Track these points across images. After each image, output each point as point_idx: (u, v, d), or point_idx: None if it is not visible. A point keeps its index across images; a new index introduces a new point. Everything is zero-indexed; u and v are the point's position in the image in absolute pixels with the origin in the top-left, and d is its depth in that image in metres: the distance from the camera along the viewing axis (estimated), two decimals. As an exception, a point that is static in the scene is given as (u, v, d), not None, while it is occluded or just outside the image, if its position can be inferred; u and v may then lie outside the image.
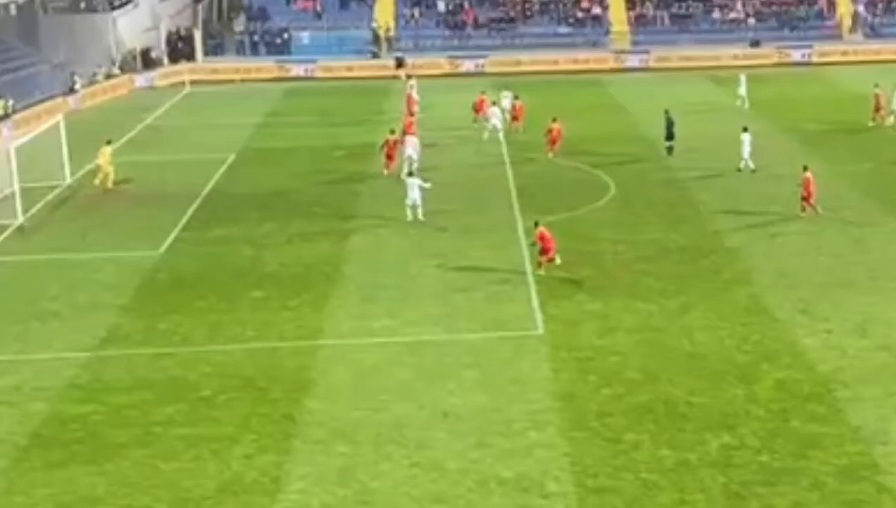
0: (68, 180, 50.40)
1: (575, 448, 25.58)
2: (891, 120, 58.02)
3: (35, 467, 25.47)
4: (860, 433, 25.94)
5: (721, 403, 27.61)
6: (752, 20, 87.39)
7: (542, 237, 37.00)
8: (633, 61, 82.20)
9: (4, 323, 34.17)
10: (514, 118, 59.14)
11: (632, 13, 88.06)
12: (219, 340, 32.51)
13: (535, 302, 34.72)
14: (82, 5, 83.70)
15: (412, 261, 38.96)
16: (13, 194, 45.10)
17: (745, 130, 49.34)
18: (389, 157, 49.74)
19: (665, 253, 39.15)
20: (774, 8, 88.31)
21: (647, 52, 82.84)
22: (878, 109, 58.53)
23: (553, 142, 53.28)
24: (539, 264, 36.96)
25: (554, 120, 54.05)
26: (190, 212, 45.29)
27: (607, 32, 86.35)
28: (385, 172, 49.66)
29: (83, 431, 27.12)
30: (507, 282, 36.64)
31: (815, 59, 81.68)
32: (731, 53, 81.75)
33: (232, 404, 28.27)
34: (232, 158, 54.17)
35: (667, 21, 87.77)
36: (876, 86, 59.51)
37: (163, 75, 79.96)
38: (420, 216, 42.77)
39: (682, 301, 34.49)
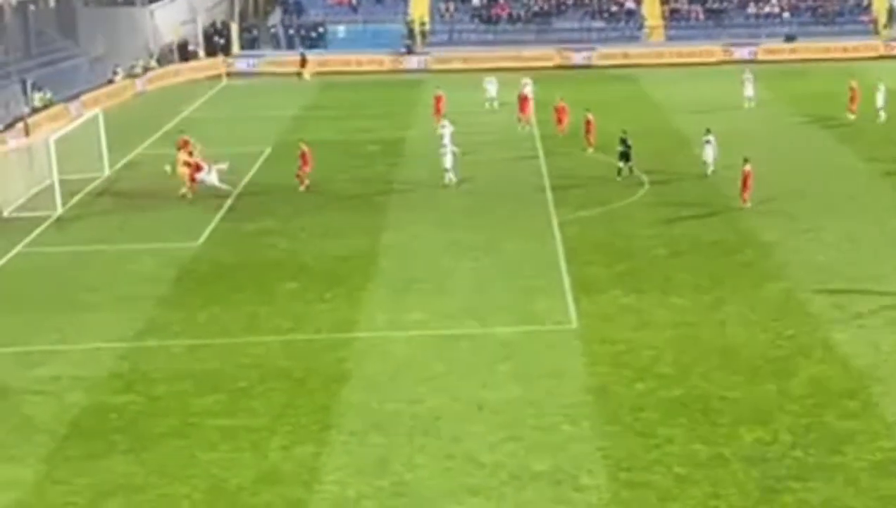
0: (107, 172, 50.88)
1: (608, 441, 25.75)
2: (882, 117, 57.47)
3: (74, 456, 25.86)
4: (894, 428, 25.99)
5: (755, 398, 27.71)
6: (786, 14, 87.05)
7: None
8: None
9: (44, 313, 34.61)
10: (521, 109, 58.86)
11: (666, 7, 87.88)
12: (256, 331, 32.84)
13: (569, 296, 34.89)
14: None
15: (446, 254, 39.19)
16: (52, 186, 45.62)
17: (707, 131, 48.30)
18: None
19: (698, 248, 39.21)
20: (810, 2, 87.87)
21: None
22: (852, 100, 58.40)
23: (588, 132, 53.37)
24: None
25: (587, 110, 54.12)
26: (227, 204, 45.65)
27: (641, 27, 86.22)
28: None
29: (122, 421, 27.52)
30: (542, 276, 36.81)
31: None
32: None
33: (269, 395, 28.59)
34: (268, 150, 54.53)
35: (701, 16, 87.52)
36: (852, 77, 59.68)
37: (199, 68, 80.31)
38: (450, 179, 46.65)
39: (716, 296, 34.58)
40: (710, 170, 47.57)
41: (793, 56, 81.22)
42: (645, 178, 48.38)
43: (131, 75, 75.13)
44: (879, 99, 56.97)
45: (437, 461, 25.16)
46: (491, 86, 63.25)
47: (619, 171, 47.78)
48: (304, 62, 79.74)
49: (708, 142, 47.65)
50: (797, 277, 36.13)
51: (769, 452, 25.07)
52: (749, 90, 62.47)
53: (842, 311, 33.22)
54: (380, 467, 24.92)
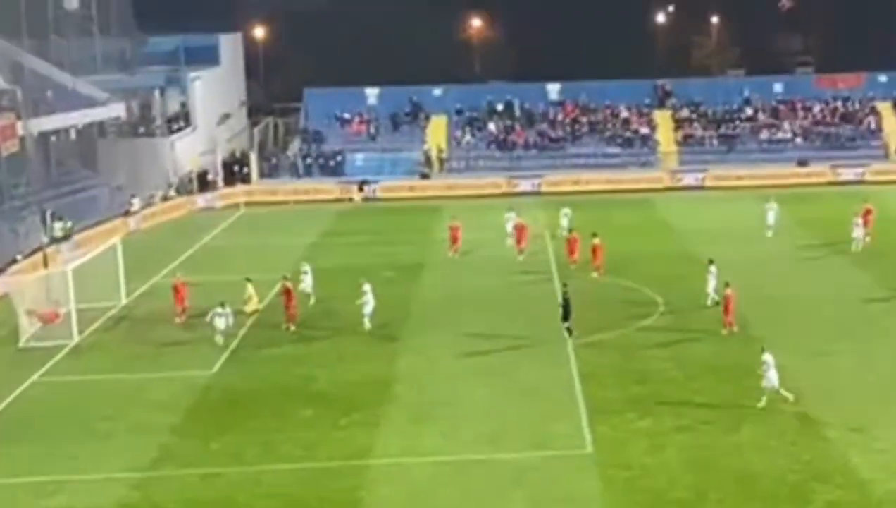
0: (123, 301, 51.22)
1: (623, 568, 25.47)
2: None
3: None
4: (913, 553, 25.68)
5: (771, 523, 27.44)
6: (799, 140, 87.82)
7: None
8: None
9: (58, 443, 34.61)
10: (518, 240, 58.69)
11: (679, 133, 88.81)
12: (270, 459, 32.74)
13: (585, 420, 34.79)
14: (141, 130, 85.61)
15: (461, 379, 39.18)
16: (69, 315, 45.92)
17: (711, 262, 48.05)
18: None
19: (713, 371, 39.13)
20: (821, 128, 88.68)
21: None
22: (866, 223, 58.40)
23: (595, 258, 53.54)
24: None
25: (594, 235, 54.49)
26: (242, 332, 45.75)
27: (653, 152, 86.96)
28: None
29: (134, 550, 27.35)
30: (557, 399, 36.78)
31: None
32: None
33: (281, 523, 28.40)
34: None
35: (715, 141, 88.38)
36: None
37: (218, 197, 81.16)
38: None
39: (732, 420, 34.42)
40: (710, 300, 47.23)
41: (807, 180, 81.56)
42: (660, 300, 48.46)
43: (149, 204, 76.00)
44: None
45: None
46: (510, 222, 62.42)
47: (569, 331, 43.47)
48: (361, 187, 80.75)
49: (710, 273, 47.53)
50: (813, 400, 35.94)
51: (787, 578, 24.74)
52: (771, 218, 62.14)
53: (859, 435, 33.01)
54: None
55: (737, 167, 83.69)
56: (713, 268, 47.64)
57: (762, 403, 35.52)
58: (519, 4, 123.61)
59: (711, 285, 47.27)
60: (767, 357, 36.04)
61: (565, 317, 43.49)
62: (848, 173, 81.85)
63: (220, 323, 44.10)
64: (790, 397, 35.67)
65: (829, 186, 79.67)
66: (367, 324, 45.33)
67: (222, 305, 44.38)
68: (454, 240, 59.52)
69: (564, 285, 45.45)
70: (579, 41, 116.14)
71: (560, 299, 44.45)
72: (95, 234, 64.70)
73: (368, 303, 45.71)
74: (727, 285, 43.94)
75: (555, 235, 60.10)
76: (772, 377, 35.62)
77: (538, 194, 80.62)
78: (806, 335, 43.39)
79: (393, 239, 65.48)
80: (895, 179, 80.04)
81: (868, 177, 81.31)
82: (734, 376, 38.59)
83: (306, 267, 50.78)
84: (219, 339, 44.00)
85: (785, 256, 56.73)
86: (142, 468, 32.46)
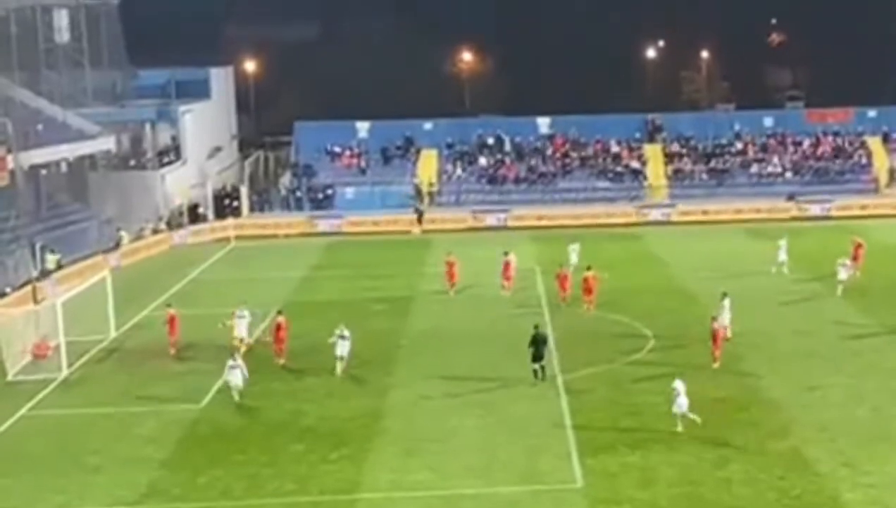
0: (112, 334, 51.09)
1: None
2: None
3: None
4: (903, 589, 25.61)
5: (761, 558, 27.35)
6: (789, 174, 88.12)
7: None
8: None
9: (47, 476, 34.47)
10: (506, 278, 58.07)
11: (670, 167, 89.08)
12: (258, 494, 32.63)
13: (575, 454, 34.75)
14: (132, 163, 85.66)
15: (451, 413, 39.11)
16: (58, 348, 45.80)
17: (724, 295, 47.89)
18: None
19: (704, 405, 38.86)
20: (811, 163, 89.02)
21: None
22: (855, 258, 58.43)
23: (588, 292, 53.53)
24: None
25: (588, 268, 54.57)
26: (229, 364, 45.54)
27: (643, 187, 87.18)
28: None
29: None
30: (547, 434, 36.72)
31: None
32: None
33: (269, 558, 28.27)
34: (274, 311, 54.69)
35: (705, 175, 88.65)
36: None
37: (207, 230, 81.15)
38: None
39: (722, 454, 34.38)
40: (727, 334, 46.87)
41: (796, 214, 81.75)
42: (650, 333, 48.50)
43: (139, 238, 75.98)
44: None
45: None
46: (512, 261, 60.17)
47: (541, 371, 42.47)
48: (420, 218, 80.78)
49: (724, 307, 47.28)
50: (804, 435, 35.97)
51: None
52: (782, 255, 61.16)
53: (850, 470, 33.01)
54: None
55: (703, 202, 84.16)
56: (726, 302, 47.44)
57: (679, 428, 36.19)
58: (509, 39, 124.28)
59: (727, 318, 47.00)
60: (678, 385, 36.80)
61: (536, 357, 42.24)
62: (815, 208, 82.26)
63: (238, 379, 41.62)
64: (698, 420, 36.40)
65: (793, 221, 79.65)
66: (338, 368, 43.86)
67: (233, 357, 42.57)
68: (451, 276, 58.54)
69: (536, 326, 43.78)
70: (570, 76, 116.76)
71: (530, 339, 42.71)
72: (78, 270, 64.47)
73: (341, 345, 44.01)
74: (714, 318, 43.99)
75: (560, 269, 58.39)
76: (681, 404, 36.47)
77: (505, 228, 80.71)
78: (797, 369, 43.45)
79: (382, 272, 65.44)
80: (860, 214, 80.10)
81: (833, 212, 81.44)
82: (724, 410, 38.57)
83: (244, 311, 48.15)
84: (235, 396, 41.81)
85: (775, 289, 56.79)
86: (130, 502, 32.34)
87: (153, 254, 74.57)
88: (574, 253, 61.68)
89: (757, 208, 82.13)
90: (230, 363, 41.11)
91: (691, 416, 36.28)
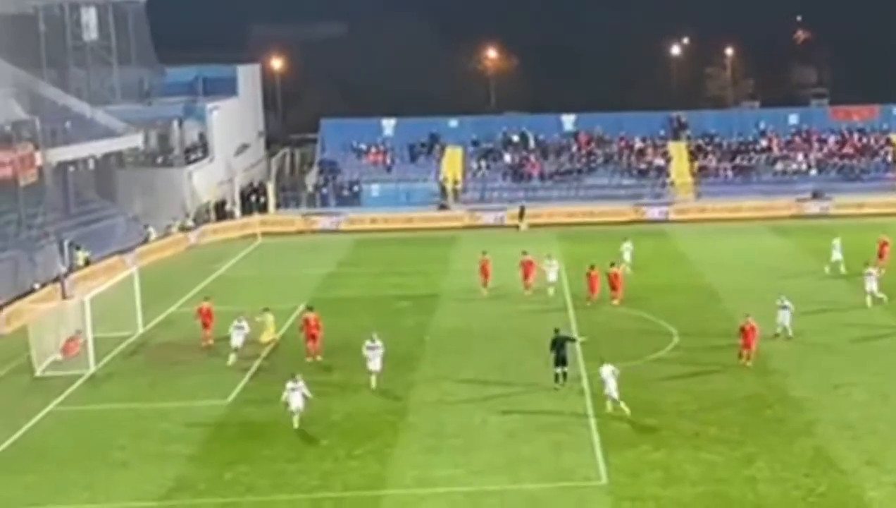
0: (140, 331, 51.45)
1: None
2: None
3: None
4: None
5: (785, 556, 27.40)
6: (813, 171, 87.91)
7: None
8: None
9: (74, 472, 34.76)
10: (527, 277, 57.56)
11: (695, 164, 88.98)
12: (284, 489, 32.83)
13: (599, 451, 34.83)
14: (159, 160, 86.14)
15: (476, 410, 39.24)
16: (86, 344, 46.17)
17: (783, 304, 47.49)
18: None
19: (728, 403, 39.14)
20: (836, 160, 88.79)
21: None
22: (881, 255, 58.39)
23: (615, 288, 53.72)
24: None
25: (612, 265, 55.15)
26: (258, 362, 45.89)
27: (665, 184, 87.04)
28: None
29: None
30: (571, 431, 36.81)
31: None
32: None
33: (295, 554, 28.46)
34: (300, 307, 54.91)
35: (729, 173, 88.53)
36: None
37: (235, 227, 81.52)
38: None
39: (746, 452, 34.41)
40: (784, 332, 46.98)
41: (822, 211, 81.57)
42: (674, 331, 48.55)
43: (166, 235, 76.40)
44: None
45: None
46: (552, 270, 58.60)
47: (557, 377, 41.72)
48: (522, 214, 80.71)
49: (784, 307, 47.16)
50: (828, 433, 35.97)
51: None
52: (837, 254, 59.73)
53: (875, 468, 32.98)
54: None
55: (702, 201, 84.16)
56: (787, 302, 47.29)
57: (609, 408, 37.89)
58: (534, 36, 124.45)
59: (787, 319, 46.95)
60: (603, 370, 38.17)
61: (559, 361, 41.64)
62: (814, 207, 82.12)
63: (238, 339, 44.83)
64: (627, 410, 37.57)
65: (818, 218, 79.46)
66: (372, 382, 42.39)
67: (238, 318, 45.21)
68: (485, 275, 58.08)
69: (556, 329, 42.85)
70: (594, 73, 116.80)
71: (550, 342, 42.15)
72: (101, 268, 64.98)
73: (372, 358, 42.45)
74: (747, 316, 43.95)
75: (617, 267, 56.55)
76: (611, 389, 38.01)
77: (502, 226, 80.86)
78: (821, 367, 43.42)
79: (408, 270, 65.64)
80: (887, 212, 79.11)
81: (864, 210, 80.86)
82: (750, 407, 38.62)
83: (241, 322, 46.60)
84: (232, 358, 44.51)
85: (799, 287, 56.62)
86: (157, 497, 32.57)
87: (182, 250, 74.94)
88: (627, 252, 61.60)
89: (782, 205, 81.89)
90: (290, 384, 37.92)
91: (622, 406, 37.42)
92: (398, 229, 79.97)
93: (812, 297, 54.90)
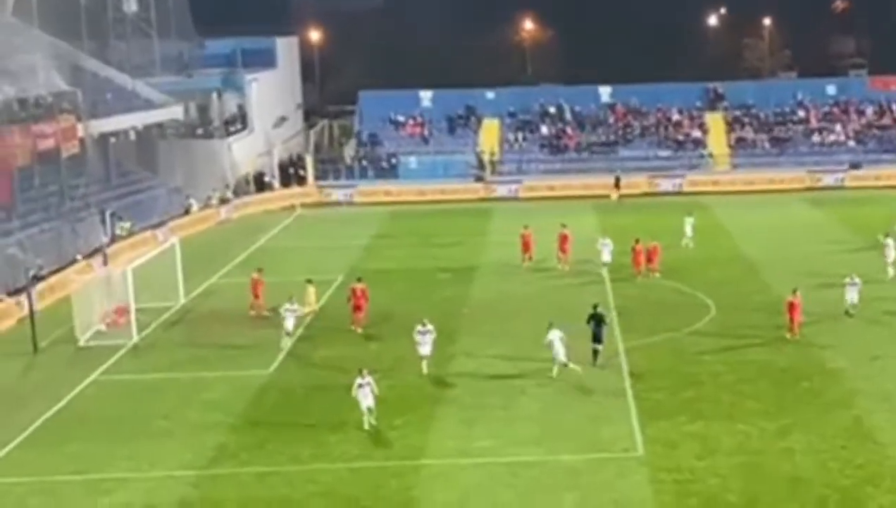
0: (182, 301, 52.01)
1: (674, 570, 25.73)
2: None
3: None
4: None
5: (822, 527, 27.59)
6: (851, 143, 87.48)
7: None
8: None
9: (117, 441, 35.28)
10: (563, 250, 57.35)
11: (732, 136, 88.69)
12: (325, 458, 33.24)
13: (636, 423, 35.07)
14: (199, 131, 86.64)
15: (514, 381, 39.54)
16: (129, 314, 46.73)
17: (852, 281, 46.80)
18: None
19: (765, 375, 39.26)
20: (874, 131, 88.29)
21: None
22: None
23: (651, 260, 53.95)
24: None
25: (637, 241, 55.11)
26: (299, 332, 46.28)
27: (702, 156, 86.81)
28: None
29: (194, 546, 27.91)
30: (608, 402, 37.07)
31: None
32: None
33: (337, 522, 28.86)
34: (340, 279, 55.38)
35: (767, 144, 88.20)
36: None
37: (273, 199, 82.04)
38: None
39: (783, 424, 34.56)
40: (854, 309, 46.61)
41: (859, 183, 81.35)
42: (712, 303, 48.65)
43: (207, 206, 76.99)
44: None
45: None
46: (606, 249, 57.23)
47: (595, 353, 41.12)
48: (617, 183, 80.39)
49: (854, 284, 46.78)
50: (866, 405, 36.05)
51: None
52: (892, 256, 55.48)
53: (912, 439, 33.08)
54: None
55: (713, 174, 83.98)
56: (857, 279, 46.83)
57: (553, 373, 39.18)
58: (571, 7, 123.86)
59: (855, 296, 46.53)
60: (551, 335, 39.29)
61: (596, 338, 41.24)
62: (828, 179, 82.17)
63: (290, 322, 44.26)
64: (579, 369, 38.95)
65: (857, 190, 79.35)
66: (423, 367, 41.19)
67: (290, 300, 44.87)
68: (526, 248, 58.03)
69: (595, 305, 42.22)
70: (631, 44, 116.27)
71: (587, 317, 41.55)
72: (142, 239, 65.67)
73: (424, 344, 41.33)
74: (794, 291, 43.97)
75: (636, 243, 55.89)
76: (558, 352, 39.00)
77: (516, 199, 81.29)
78: (859, 339, 43.44)
79: (445, 241, 65.92)
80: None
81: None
82: (786, 380, 38.74)
83: (294, 305, 45.32)
84: (286, 341, 44.20)
85: (837, 259, 56.53)
86: (199, 466, 33.02)
87: (224, 221, 75.51)
88: (689, 225, 61.60)
89: (819, 177, 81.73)
90: (358, 380, 35.63)
91: (572, 366, 38.72)
92: (431, 201, 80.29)
93: (848, 268, 54.77)
